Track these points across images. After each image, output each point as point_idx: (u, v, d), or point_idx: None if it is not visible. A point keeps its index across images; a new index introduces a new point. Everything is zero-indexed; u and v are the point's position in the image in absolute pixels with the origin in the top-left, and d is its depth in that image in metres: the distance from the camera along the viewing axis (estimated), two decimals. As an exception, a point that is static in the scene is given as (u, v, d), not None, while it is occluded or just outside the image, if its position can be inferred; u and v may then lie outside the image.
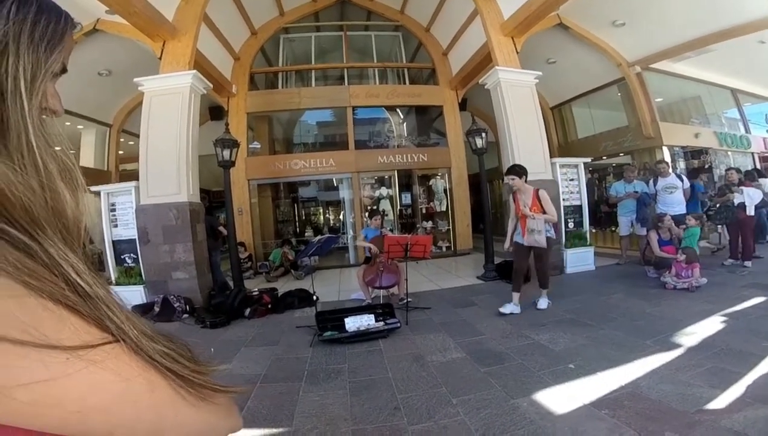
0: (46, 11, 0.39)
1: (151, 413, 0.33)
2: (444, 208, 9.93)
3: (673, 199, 6.21)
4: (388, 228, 7.20)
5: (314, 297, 4.70)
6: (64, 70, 0.41)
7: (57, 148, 0.38)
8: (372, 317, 4.03)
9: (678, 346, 3.11)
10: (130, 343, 0.33)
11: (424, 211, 10.13)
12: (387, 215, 8.91)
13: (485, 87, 7.16)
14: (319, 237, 6.07)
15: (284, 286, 6.49)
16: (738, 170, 6.76)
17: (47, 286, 0.30)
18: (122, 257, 5.97)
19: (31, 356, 0.27)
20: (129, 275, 5.88)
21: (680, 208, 6.14)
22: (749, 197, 6.03)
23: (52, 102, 0.40)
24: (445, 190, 9.97)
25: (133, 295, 5.57)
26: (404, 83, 10.60)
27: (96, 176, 8.56)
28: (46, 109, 0.39)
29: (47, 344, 0.28)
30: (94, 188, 6.21)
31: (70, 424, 0.29)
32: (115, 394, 0.31)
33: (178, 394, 0.35)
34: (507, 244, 4.69)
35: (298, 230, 11.71)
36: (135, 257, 5.89)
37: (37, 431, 0.29)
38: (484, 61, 7.76)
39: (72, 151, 0.40)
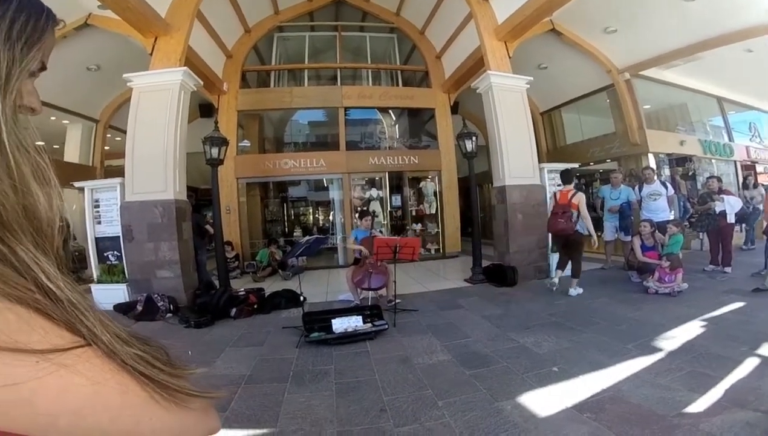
0: (27, 7, 0.38)
1: (123, 416, 0.33)
2: (433, 211, 9.95)
3: (657, 205, 6.34)
4: (378, 229, 7.20)
5: (301, 298, 4.67)
6: (43, 68, 0.41)
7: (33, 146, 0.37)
8: (360, 318, 4.02)
9: (659, 350, 3.18)
10: (103, 346, 0.33)
11: (413, 213, 10.15)
12: (377, 217, 8.90)
13: (477, 91, 7.19)
14: (307, 237, 6.03)
15: (271, 286, 6.43)
16: (719, 179, 6.92)
17: (16, 290, 0.30)
18: (105, 254, 5.85)
19: None
20: (112, 273, 5.76)
21: (664, 215, 6.27)
22: (729, 206, 6.20)
23: (28, 100, 0.39)
24: (435, 193, 9.99)
25: (116, 293, 5.46)
26: (397, 85, 10.61)
27: (81, 172, 8.36)
28: (22, 107, 0.38)
29: (15, 347, 0.28)
30: (78, 184, 6.08)
31: (40, 426, 0.29)
32: (86, 397, 0.31)
33: (152, 398, 0.35)
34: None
35: (286, 229, 11.59)
36: (118, 254, 5.77)
37: (5, 432, 0.28)
38: (476, 65, 7.81)
39: (41, 144, 0.38)
